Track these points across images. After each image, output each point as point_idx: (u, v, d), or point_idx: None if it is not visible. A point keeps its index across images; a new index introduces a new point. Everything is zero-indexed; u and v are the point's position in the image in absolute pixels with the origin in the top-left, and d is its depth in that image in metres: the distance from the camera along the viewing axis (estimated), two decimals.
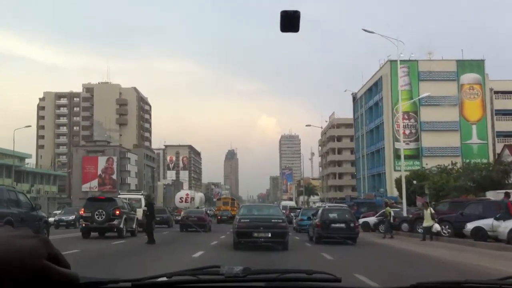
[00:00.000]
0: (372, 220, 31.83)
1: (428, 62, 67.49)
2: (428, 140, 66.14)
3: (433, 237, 22.05)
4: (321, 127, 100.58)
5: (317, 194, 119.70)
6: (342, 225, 21.65)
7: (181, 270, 1.83)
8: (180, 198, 62.75)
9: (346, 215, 22.48)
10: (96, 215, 22.50)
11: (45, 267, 0.94)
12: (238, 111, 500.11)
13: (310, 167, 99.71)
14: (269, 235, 16.34)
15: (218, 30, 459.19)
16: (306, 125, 70.19)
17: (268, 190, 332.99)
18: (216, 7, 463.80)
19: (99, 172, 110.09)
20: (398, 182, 50.88)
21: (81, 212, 23.97)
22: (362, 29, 31.15)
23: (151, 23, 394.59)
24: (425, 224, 22.07)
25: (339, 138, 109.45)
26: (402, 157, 36.44)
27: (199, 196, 66.59)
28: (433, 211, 22.18)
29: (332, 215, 22.46)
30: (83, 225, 23.12)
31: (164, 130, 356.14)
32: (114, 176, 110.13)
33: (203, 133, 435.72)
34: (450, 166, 45.29)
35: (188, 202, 59.52)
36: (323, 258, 14.15)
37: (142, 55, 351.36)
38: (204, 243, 19.73)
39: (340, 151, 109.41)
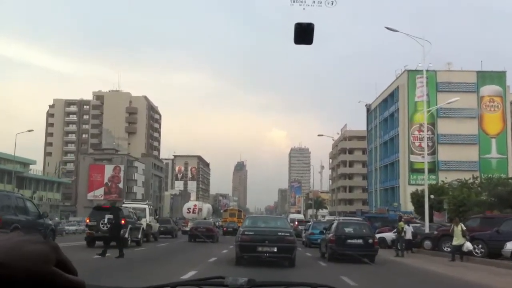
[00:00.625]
0: (389, 236, 29.29)
1: (447, 72, 65.11)
2: (445, 154, 63.54)
3: (464, 257, 19.68)
4: (333, 138, 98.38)
5: (326, 208, 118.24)
6: (360, 241, 19.45)
7: (185, 280, 1.50)
8: (188, 209, 62.08)
9: (364, 230, 20.24)
10: (102, 224, 22.25)
11: (52, 273, 0.94)
12: (248, 124, 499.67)
13: (320, 180, 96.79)
14: (275, 249, 15.09)
15: (229, 43, 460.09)
16: (318, 135, 68.50)
17: (276, 202, 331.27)
18: (228, 20, 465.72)
19: (106, 180, 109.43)
20: (414, 196, 48.37)
21: (87, 220, 23.96)
22: (385, 27, 28.88)
23: (163, 36, 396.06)
24: (455, 242, 19.58)
25: (350, 151, 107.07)
26: (426, 170, 34.13)
27: (206, 207, 65.96)
28: (464, 228, 19.65)
29: (348, 230, 20.27)
30: (88, 234, 23.12)
31: (174, 141, 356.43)
32: (121, 185, 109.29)
33: (213, 145, 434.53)
34: (471, 180, 42.64)
35: (195, 213, 59.17)
36: (344, 284, 11.80)
37: (153, 67, 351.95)
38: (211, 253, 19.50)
39: (351, 164, 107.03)
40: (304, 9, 4.78)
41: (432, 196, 45.12)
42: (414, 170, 64.16)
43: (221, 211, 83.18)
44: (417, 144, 64.31)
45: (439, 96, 63.93)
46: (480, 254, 19.75)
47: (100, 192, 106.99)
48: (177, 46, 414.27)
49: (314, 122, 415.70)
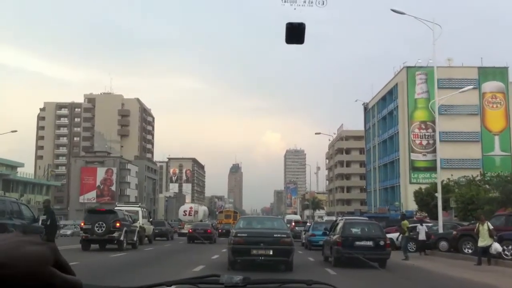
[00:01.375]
0: (396, 236, 27.09)
1: (447, 68, 62.86)
2: (447, 152, 61.39)
3: (491, 260, 17.48)
4: (330, 137, 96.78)
5: (323, 208, 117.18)
6: (369, 243, 17.32)
7: (181, 278, 1.81)
8: (184, 211, 60.38)
9: (374, 231, 18.10)
10: (96, 227, 22.43)
11: (51, 274, 0.94)
12: (243, 126, 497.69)
13: (316, 181, 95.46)
14: (271, 252, 14.06)
15: (223, 46, 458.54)
16: (316, 133, 65.74)
17: (272, 204, 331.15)
18: (221, 24, 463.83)
19: (98, 183, 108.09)
20: (417, 195, 46.43)
21: (81, 224, 24.14)
22: (391, 9, 26.75)
23: (156, 40, 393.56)
24: (481, 243, 17.25)
25: (347, 151, 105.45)
26: (439, 165, 31.70)
27: (202, 209, 64.88)
28: (491, 227, 17.37)
29: (356, 230, 18.14)
30: (83, 237, 23.12)
31: (168, 145, 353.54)
32: (113, 188, 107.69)
33: (207, 148, 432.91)
34: (478, 177, 40.63)
35: (192, 215, 58.00)
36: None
37: (147, 72, 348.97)
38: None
39: (348, 164, 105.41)
40: (295, 9, 4.83)
41: (436, 194, 43.16)
42: (415, 168, 62.21)
43: (217, 213, 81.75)
44: (417, 142, 62.37)
45: (439, 93, 61.72)
46: (510, 257, 17.60)
47: (92, 195, 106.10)
48: (170, 49, 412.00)
49: (309, 124, 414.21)
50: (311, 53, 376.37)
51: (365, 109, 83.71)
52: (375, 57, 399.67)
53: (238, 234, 14.67)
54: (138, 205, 33.54)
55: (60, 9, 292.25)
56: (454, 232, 21.50)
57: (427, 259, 20.72)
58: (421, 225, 21.91)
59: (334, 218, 63.63)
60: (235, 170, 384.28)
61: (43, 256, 0.93)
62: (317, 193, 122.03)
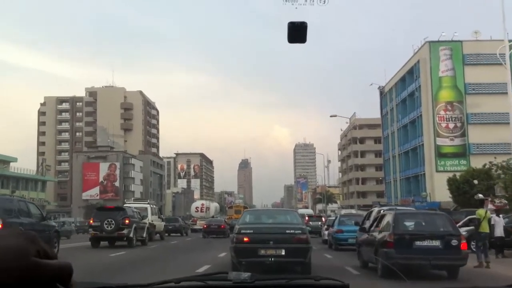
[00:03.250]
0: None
1: (474, 43, 56.84)
2: (476, 135, 55.55)
3: None
4: (347, 119, 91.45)
5: (335, 202, 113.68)
6: (436, 243, 11.88)
7: (189, 275, 1.85)
8: (196, 208, 62.73)
9: (441, 225, 12.62)
10: (106, 224, 22.76)
11: (35, 264, 0.89)
12: (251, 122, 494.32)
13: (326, 174, 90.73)
14: (283, 252, 11.93)
15: (230, 41, 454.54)
16: (331, 116, 59.65)
17: (283, 199, 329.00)
18: (229, 19, 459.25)
19: (101, 179, 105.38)
20: (452, 183, 40.68)
21: (90, 221, 24.29)
22: None
23: (162, 36, 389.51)
24: None
25: (361, 140, 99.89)
26: None
27: (214, 205, 67.93)
28: None
29: (415, 225, 12.71)
30: (92, 234, 23.39)
31: (176, 142, 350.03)
32: (117, 183, 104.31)
33: (216, 144, 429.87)
34: None
35: (203, 211, 60.22)
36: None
37: (153, 67, 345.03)
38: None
39: (363, 154, 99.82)
40: (296, 8, 4.69)
41: (476, 182, 37.57)
42: (441, 155, 56.31)
43: (226, 208, 79.10)
44: (443, 125, 56.38)
45: (466, 70, 56.17)
46: None
47: (95, 191, 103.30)
48: (175, 44, 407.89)
49: (318, 118, 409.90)
50: (318, 46, 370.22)
51: (381, 93, 77.85)
52: (382, 46, 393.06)
53: (243, 231, 12.30)
54: (147, 202, 33.81)
55: (61, 5, 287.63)
56: None
57: (507, 264, 14.93)
58: (498, 216, 15.85)
59: (352, 211, 58.28)
60: (245, 165, 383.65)
61: (22, 248, 0.88)
62: (329, 186, 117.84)
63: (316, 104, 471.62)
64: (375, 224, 14.24)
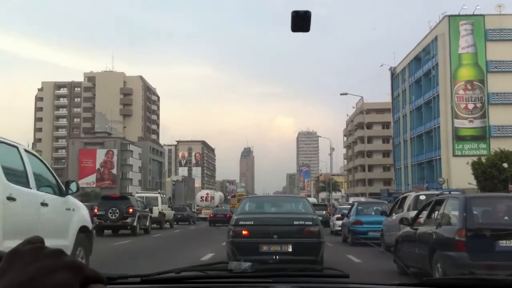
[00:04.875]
0: None
1: (498, 17, 52.65)
2: (498, 117, 51.47)
3: None
4: (359, 97, 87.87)
5: (339, 191, 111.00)
6: None
7: (189, 265, 1.86)
8: (201, 197, 64.92)
9: None
10: (110, 213, 23.40)
11: None
12: (254, 111, 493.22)
13: (330, 162, 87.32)
14: (289, 248, 9.85)
15: (235, 33, 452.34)
16: (341, 94, 54.92)
17: (285, 187, 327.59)
18: (231, 10, 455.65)
19: (98, 166, 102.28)
20: (477, 167, 36.66)
21: (95, 210, 24.39)
22: None
23: (164, 28, 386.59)
24: None
25: (368, 126, 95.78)
26: None
27: (218, 195, 69.93)
28: None
29: (494, 216, 8.87)
30: (97, 223, 23.36)
31: (178, 130, 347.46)
32: (115, 171, 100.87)
33: (218, 132, 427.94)
34: None
35: (208, 201, 62.41)
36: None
37: (155, 60, 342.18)
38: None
39: (370, 140, 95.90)
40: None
41: (505, 165, 33.56)
42: (459, 138, 52.22)
43: (229, 197, 77.02)
44: (462, 106, 52.22)
45: (488, 46, 51.91)
46: None
47: (92, 179, 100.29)
48: (178, 36, 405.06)
49: (322, 107, 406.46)
50: (321, 35, 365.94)
51: (392, 75, 73.68)
52: (391, 31, 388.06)
53: (241, 222, 10.51)
54: (157, 192, 35.52)
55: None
56: None
57: None
58: None
59: (361, 199, 54.38)
60: (247, 154, 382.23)
61: (67, 284, 0.84)
62: (332, 175, 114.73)
63: (320, 93, 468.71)
64: (428, 210, 10.26)
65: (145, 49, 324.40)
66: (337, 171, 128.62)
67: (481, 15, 52.58)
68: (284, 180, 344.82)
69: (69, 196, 7.75)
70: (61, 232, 7.13)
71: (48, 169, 7.68)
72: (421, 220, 10.15)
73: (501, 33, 52.09)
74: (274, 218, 10.87)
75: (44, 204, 6.77)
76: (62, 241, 6.87)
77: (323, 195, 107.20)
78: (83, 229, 7.75)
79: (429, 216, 9.77)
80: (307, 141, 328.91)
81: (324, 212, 34.27)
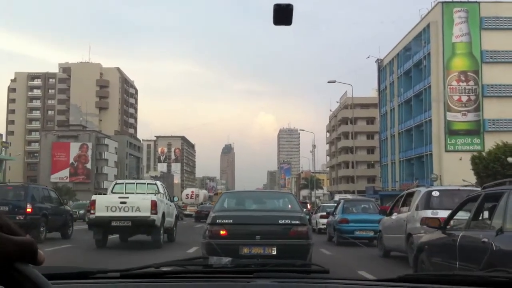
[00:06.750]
0: None
1: (494, 4, 50.16)
2: (492, 110, 48.87)
3: None
4: (349, 86, 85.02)
5: (321, 188, 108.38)
6: None
7: (169, 260, 1.88)
8: (187, 195, 67.37)
9: None
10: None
11: None
12: (236, 108, 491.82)
13: (312, 158, 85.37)
14: (274, 251, 9.09)
15: (215, 29, 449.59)
16: (329, 81, 50.84)
17: (266, 185, 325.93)
18: (213, 6, 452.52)
19: (71, 160, 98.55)
20: (478, 161, 33.76)
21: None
22: None
23: (147, 23, 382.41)
24: None
25: (353, 121, 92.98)
26: None
27: (203, 193, 73.11)
28: None
29: None
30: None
31: (159, 126, 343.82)
32: (89, 166, 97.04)
33: (199, 129, 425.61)
34: None
35: (193, 198, 64.77)
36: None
37: (137, 54, 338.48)
38: None
39: (354, 135, 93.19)
40: None
41: (510, 159, 30.70)
42: (452, 132, 49.48)
43: (212, 194, 75.04)
44: (455, 98, 49.48)
45: (483, 35, 49.20)
46: None
47: (65, 173, 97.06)
48: (161, 33, 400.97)
49: (304, 104, 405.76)
50: (304, 33, 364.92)
51: (379, 67, 70.90)
52: (371, 30, 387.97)
53: (218, 221, 9.31)
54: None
55: None
56: None
57: None
58: None
59: (348, 196, 51.37)
60: (228, 150, 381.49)
61: None
62: (313, 172, 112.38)
63: (302, 91, 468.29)
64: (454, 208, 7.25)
65: (126, 43, 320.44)
66: (319, 168, 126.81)
67: (476, 2, 49.93)
68: (265, 177, 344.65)
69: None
70: (172, 215, 18.31)
71: (166, 190, 19.04)
72: (456, 221, 7.53)
73: (497, 21, 49.52)
74: (257, 217, 10.02)
75: (169, 204, 17.97)
76: (172, 218, 18.06)
77: (304, 192, 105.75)
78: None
79: (475, 216, 6.67)
80: (288, 138, 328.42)
81: (305, 210, 31.82)
